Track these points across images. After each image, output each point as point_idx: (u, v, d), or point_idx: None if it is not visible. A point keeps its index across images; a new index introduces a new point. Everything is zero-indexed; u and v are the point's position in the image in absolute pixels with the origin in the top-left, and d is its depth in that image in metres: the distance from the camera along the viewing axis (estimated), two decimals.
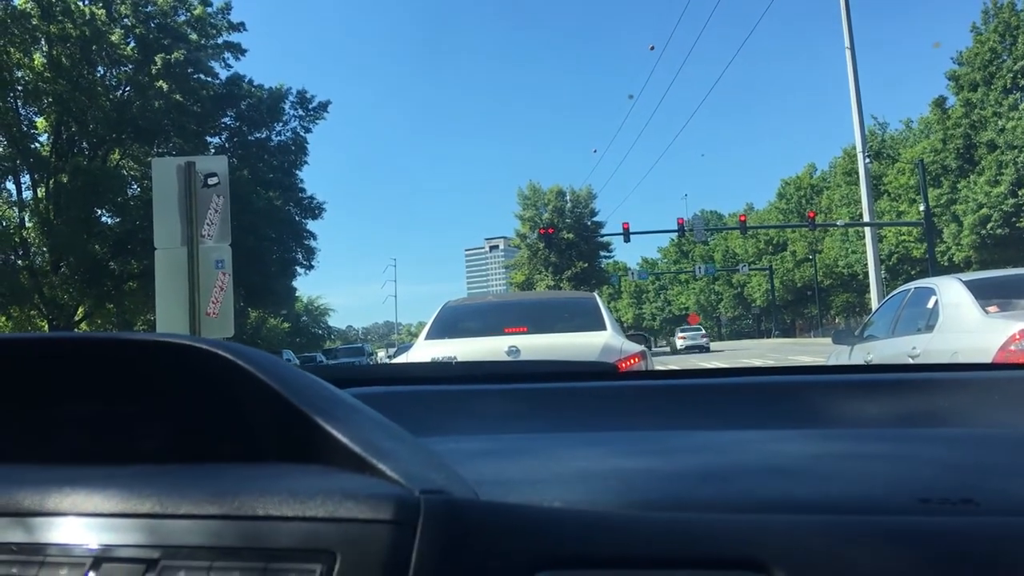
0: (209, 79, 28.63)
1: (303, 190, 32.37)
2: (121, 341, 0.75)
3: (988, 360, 4.47)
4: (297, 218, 31.97)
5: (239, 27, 28.90)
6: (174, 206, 5.72)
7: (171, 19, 27.09)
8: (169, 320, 5.68)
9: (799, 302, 61.28)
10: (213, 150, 28.06)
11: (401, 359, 6.40)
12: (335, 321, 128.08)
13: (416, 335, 7.40)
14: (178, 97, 26.32)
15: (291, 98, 30.48)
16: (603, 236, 51.82)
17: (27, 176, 26.20)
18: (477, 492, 0.63)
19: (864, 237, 29.58)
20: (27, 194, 26.33)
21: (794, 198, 58.51)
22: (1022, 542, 0.58)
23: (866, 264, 28.98)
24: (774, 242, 60.33)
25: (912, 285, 6.66)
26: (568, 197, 53.75)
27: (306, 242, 32.37)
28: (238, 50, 29.22)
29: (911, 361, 5.24)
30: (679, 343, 43.62)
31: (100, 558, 0.57)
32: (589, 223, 52.92)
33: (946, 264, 33.90)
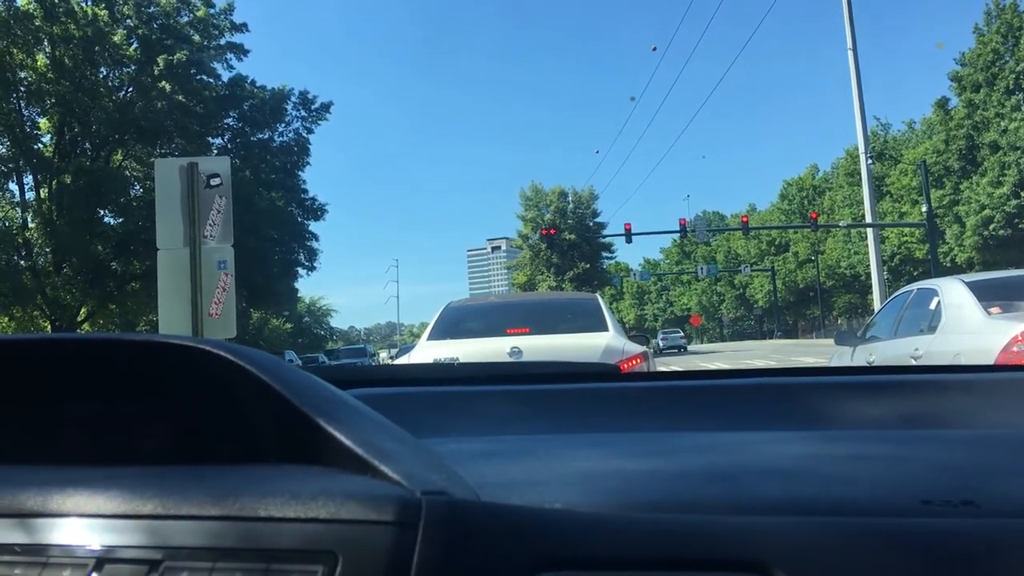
0: (212, 80, 28.69)
1: (305, 191, 32.41)
2: (123, 342, 0.75)
3: (990, 361, 4.47)
4: (299, 219, 31.99)
5: (242, 28, 28.99)
6: (177, 207, 5.73)
7: (174, 20, 27.15)
8: (171, 321, 5.69)
9: (801, 303, 61.26)
10: (215, 151, 28.12)
11: (403, 360, 6.40)
12: (337, 322, 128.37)
13: (418, 336, 7.40)
14: (181, 98, 26.36)
15: (293, 99, 30.55)
16: (605, 237, 51.78)
17: (30, 177, 26.29)
18: (479, 493, 0.63)
19: (866, 238, 29.58)
20: (30, 195, 26.44)
21: (796, 199, 58.50)
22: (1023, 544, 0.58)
23: (868, 265, 28.95)
24: (776, 243, 60.33)
25: (914, 286, 6.65)
26: (570, 198, 53.71)
27: (308, 243, 32.40)
28: (240, 51, 29.29)
29: (913, 362, 5.24)
30: (660, 343, 48.41)
31: (103, 559, 0.57)
32: (591, 224, 52.88)
33: (948, 265, 33.87)
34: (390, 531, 0.55)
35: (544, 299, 8.23)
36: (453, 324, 6.00)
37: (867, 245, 28.84)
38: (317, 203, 32.59)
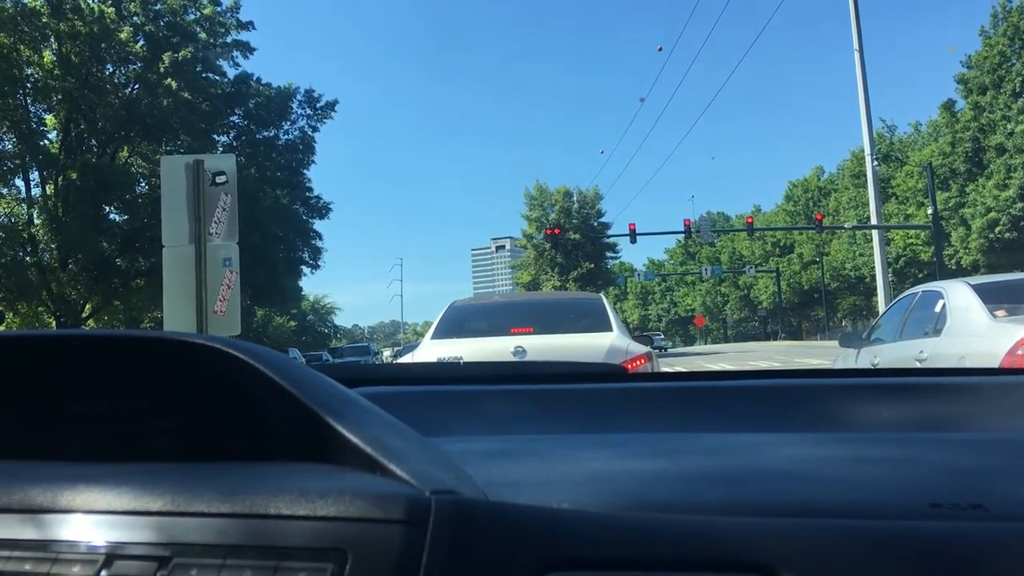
0: (217, 78, 28.77)
1: (310, 189, 32.50)
2: (132, 338, 0.76)
3: (995, 364, 4.46)
4: (304, 217, 32.06)
5: (248, 26, 29.09)
6: (182, 204, 5.73)
7: (180, 17, 27.22)
8: (176, 318, 5.69)
9: (806, 304, 61.18)
10: (221, 148, 28.20)
11: (407, 359, 6.40)
12: (341, 320, 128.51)
13: (422, 334, 7.39)
14: (187, 95, 26.43)
15: (299, 97, 30.63)
16: (609, 237, 51.79)
17: (36, 173, 26.38)
18: (486, 493, 0.63)
19: (871, 240, 29.51)
20: (36, 191, 26.51)
21: (801, 200, 58.42)
22: None
23: (873, 267, 28.90)
24: (781, 244, 60.25)
25: (919, 288, 6.64)
26: (575, 198, 53.68)
27: (312, 242, 32.47)
28: (247, 49, 29.40)
29: (918, 365, 5.22)
30: None
31: (112, 555, 0.57)
32: (596, 224, 52.86)
33: (954, 267, 33.82)
34: (399, 530, 0.55)
35: (548, 299, 8.23)
36: (457, 323, 6.00)
37: (872, 247, 28.77)
38: (322, 201, 32.69)
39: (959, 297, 5.54)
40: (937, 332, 5.55)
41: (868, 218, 30.22)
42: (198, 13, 27.85)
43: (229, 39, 28.88)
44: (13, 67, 23.60)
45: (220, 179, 5.79)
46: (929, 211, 27.96)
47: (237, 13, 28.63)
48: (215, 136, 29.36)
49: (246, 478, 0.63)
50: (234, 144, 29.82)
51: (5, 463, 0.71)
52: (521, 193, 55.22)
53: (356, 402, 0.72)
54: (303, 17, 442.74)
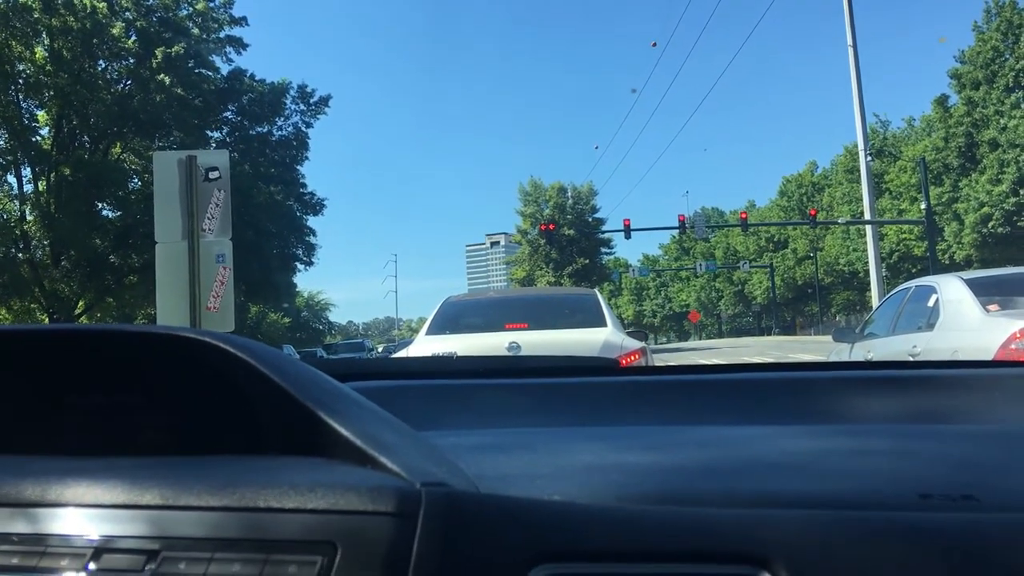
0: (210, 73, 28.65)
1: (304, 185, 32.41)
2: (124, 334, 0.75)
3: (989, 359, 4.47)
4: (298, 213, 32.00)
5: (241, 21, 28.95)
6: (175, 200, 5.71)
7: (173, 13, 27.09)
8: (169, 314, 5.67)
9: (800, 300, 61.30)
10: (214, 144, 28.08)
11: (401, 355, 6.39)
12: (335, 316, 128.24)
13: (417, 330, 7.39)
14: (179, 91, 26.31)
15: (292, 93, 30.51)
16: (604, 232, 51.78)
17: (28, 169, 26.24)
18: (478, 485, 0.63)
19: (865, 235, 29.59)
20: (28, 187, 26.40)
21: (795, 195, 58.49)
22: (1022, 538, 0.58)
23: (867, 262, 28.98)
24: (775, 239, 60.31)
25: (913, 283, 6.66)
26: (569, 193, 53.68)
27: (306, 238, 32.41)
28: (240, 44, 29.27)
29: (911, 359, 5.24)
30: None
31: (101, 549, 0.57)
32: (590, 219, 52.86)
33: (947, 262, 33.90)
34: (390, 522, 0.55)
35: (543, 294, 8.22)
36: (452, 319, 5.99)
37: (866, 242, 28.85)
38: (316, 198, 32.63)
39: (952, 292, 5.56)
40: (930, 326, 5.57)
41: (862, 213, 30.26)
42: (191, 8, 27.71)
43: (222, 35, 28.78)
44: (5, 63, 23.47)
45: (213, 175, 5.77)
46: (922, 206, 28.03)
47: (230, 8, 28.51)
48: (208, 132, 29.25)
49: (236, 471, 0.63)
50: (227, 140, 29.70)
51: None
52: (516, 189, 55.22)
53: (347, 396, 0.72)
54: (298, 12, 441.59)
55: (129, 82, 26.93)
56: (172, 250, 5.74)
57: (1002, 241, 32.89)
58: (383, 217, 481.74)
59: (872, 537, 0.57)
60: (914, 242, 38.78)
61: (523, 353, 4.95)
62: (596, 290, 6.85)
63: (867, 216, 25.17)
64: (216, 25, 28.34)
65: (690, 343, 61.32)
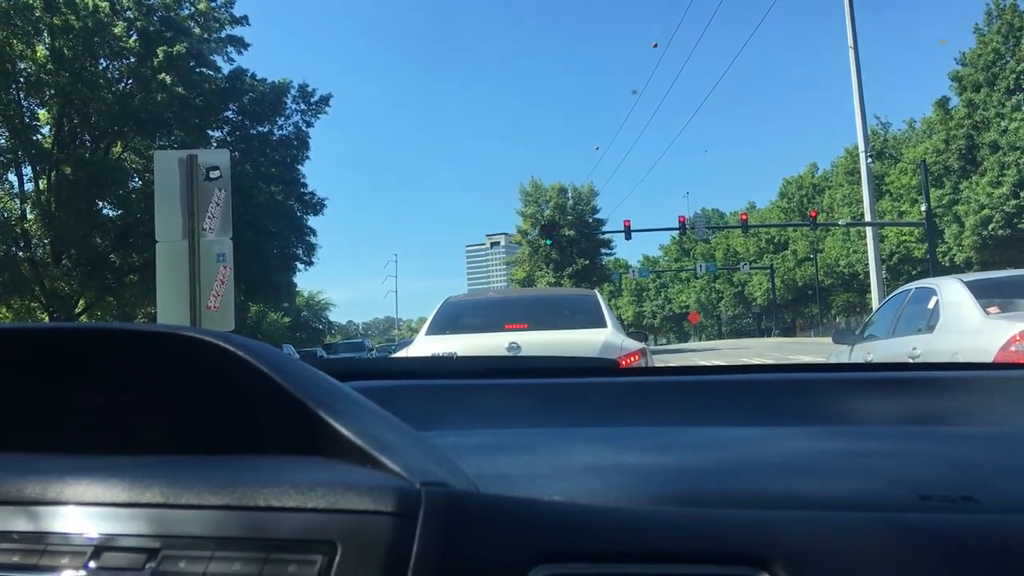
0: (211, 73, 28.66)
1: (304, 185, 32.42)
2: (125, 332, 0.75)
3: (989, 361, 4.46)
4: (298, 213, 32.00)
5: (242, 21, 28.97)
6: (176, 199, 5.71)
7: (174, 12, 27.09)
8: (169, 313, 5.67)
9: (800, 301, 61.28)
10: (215, 144, 28.08)
11: (400, 355, 6.39)
12: (336, 316, 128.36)
13: (417, 331, 7.38)
14: (180, 90, 26.31)
15: (293, 92, 30.52)
16: (604, 233, 51.76)
17: (29, 168, 26.24)
18: (478, 485, 0.63)
19: (865, 237, 29.57)
20: (29, 186, 26.42)
21: (796, 197, 58.47)
22: (1022, 540, 0.58)
23: (867, 264, 28.96)
24: (775, 241, 60.31)
25: (913, 285, 6.65)
26: (570, 194, 53.68)
27: (307, 238, 32.41)
28: (241, 44, 29.29)
29: (911, 361, 5.23)
30: None
31: (101, 547, 0.57)
32: (590, 220, 52.86)
33: (947, 265, 33.89)
34: (389, 521, 0.55)
35: (543, 295, 8.21)
36: (451, 319, 5.98)
37: (866, 244, 28.84)
38: (316, 197, 32.63)
39: (952, 294, 5.56)
40: (930, 329, 5.57)
41: (862, 215, 30.27)
42: (192, 8, 27.73)
43: (223, 34, 28.79)
44: (6, 61, 23.47)
45: (214, 174, 5.77)
46: (923, 208, 28.02)
47: (231, 8, 28.53)
48: (209, 131, 29.25)
49: (236, 470, 0.63)
50: (228, 139, 29.71)
51: None
52: (516, 189, 55.25)
53: (347, 395, 0.72)
54: (298, 12, 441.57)
55: (130, 81, 26.93)
56: (172, 249, 5.74)
57: (1002, 243, 32.87)
58: (383, 217, 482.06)
59: (872, 538, 0.57)
60: (914, 244, 38.77)
61: (523, 353, 4.95)
62: (596, 291, 6.85)
63: (867, 218, 25.17)
64: (217, 25, 28.35)
65: (690, 344, 61.28)
